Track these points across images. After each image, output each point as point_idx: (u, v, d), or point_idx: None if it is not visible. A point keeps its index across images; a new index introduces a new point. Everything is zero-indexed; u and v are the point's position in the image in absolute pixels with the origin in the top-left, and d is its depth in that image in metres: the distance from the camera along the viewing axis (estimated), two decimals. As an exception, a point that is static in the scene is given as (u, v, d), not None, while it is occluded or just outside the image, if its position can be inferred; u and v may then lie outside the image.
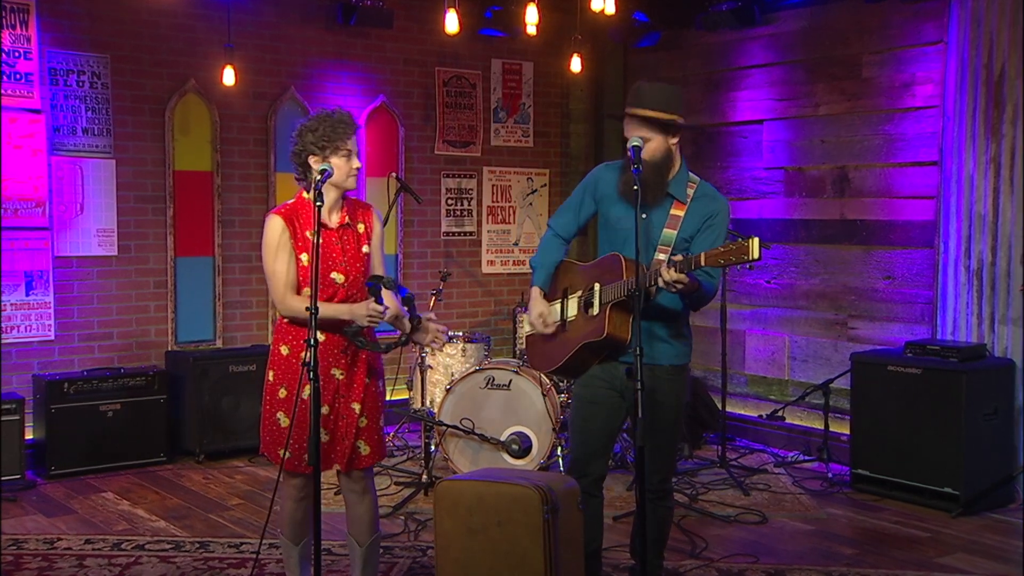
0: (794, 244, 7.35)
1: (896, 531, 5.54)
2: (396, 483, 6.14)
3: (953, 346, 5.96)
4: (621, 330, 3.94)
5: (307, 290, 3.87)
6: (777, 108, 7.46)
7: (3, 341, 6.45)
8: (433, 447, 6.20)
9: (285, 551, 4.15)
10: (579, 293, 4.14)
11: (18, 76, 6.53)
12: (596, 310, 4.02)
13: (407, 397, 7.21)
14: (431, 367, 6.67)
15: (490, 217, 8.55)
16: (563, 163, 8.83)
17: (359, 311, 3.83)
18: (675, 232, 4.02)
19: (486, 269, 8.56)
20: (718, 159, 7.84)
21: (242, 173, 7.42)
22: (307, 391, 3.74)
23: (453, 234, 8.40)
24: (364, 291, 3.93)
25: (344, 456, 3.99)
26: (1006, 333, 6.16)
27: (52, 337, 6.74)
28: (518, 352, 7.90)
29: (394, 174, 7.54)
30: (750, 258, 3.64)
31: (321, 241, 3.86)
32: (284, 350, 3.98)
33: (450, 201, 8.35)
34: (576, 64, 7.52)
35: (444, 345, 4.50)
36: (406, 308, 3.95)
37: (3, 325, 6.49)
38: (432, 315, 4.07)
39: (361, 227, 4.04)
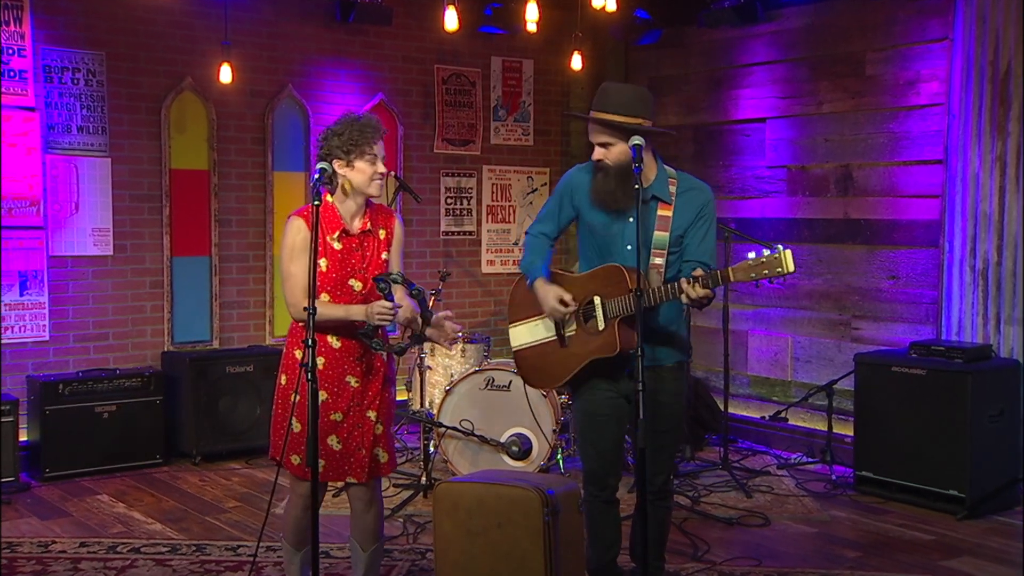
0: (797, 244, 7.29)
1: (900, 534, 5.50)
2: (395, 485, 6.10)
3: (958, 347, 5.91)
4: (630, 343, 3.87)
5: (324, 296, 3.85)
6: (780, 106, 7.42)
7: (1, 342, 6.41)
8: (432, 449, 6.16)
9: (286, 556, 4.09)
10: (575, 306, 4.03)
11: (12, 73, 6.47)
12: (601, 324, 3.94)
13: (406, 398, 7.17)
14: (430, 368, 6.65)
15: (490, 216, 8.51)
16: (563, 162, 8.77)
17: (369, 310, 3.75)
18: (666, 234, 3.95)
19: (486, 269, 8.51)
20: (720, 158, 7.80)
21: (239, 172, 7.38)
22: (322, 396, 3.74)
23: (452, 233, 8.36)
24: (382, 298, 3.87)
25: (363, 467, 3.92)
26: (1012, 334, 6.12)
27: (47, 338, 6.70)
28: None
29: (393, 173, 7.53)
30: (785, 271, 3.57)
31: (341, 247, 3.87)
32: (299, 354, 3.91)
33: (449, 200, 8.31)
34: (577, 62, 7.48)
35: (457, 343, 4.42)
36: (417, 304, 3.86)
37: (1, 325, 6.44)
38: (449, 312, 4.00)
39: (383, 233, 3.99)
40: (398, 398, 7.21)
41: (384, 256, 3.98)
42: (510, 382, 6.14)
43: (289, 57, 7.50)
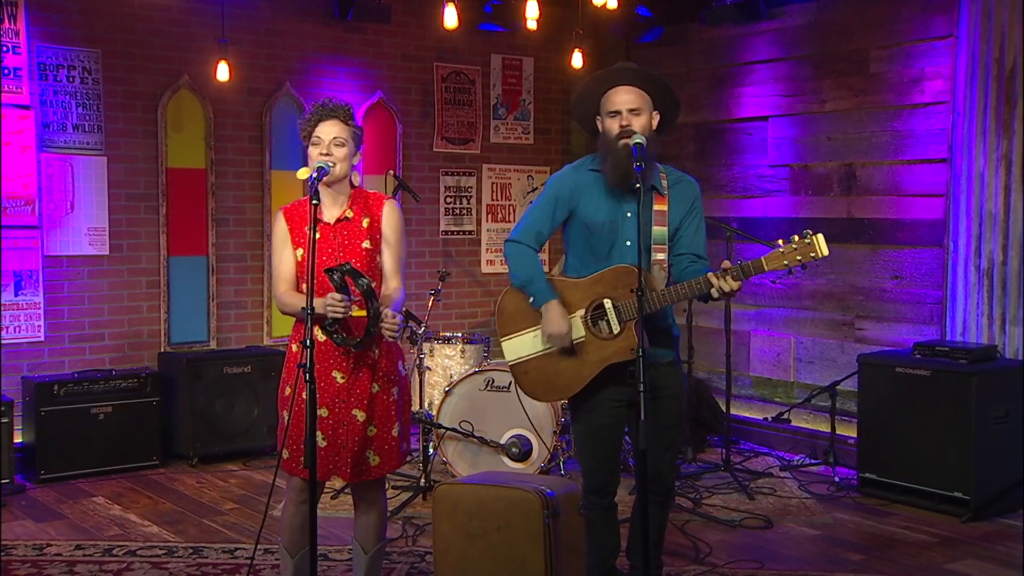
0: (799, 243, 7.27)
1: (904, 536, 5.47)
2: (394, 487, 6.06)
3: (963, 347, 5.88)
4: (644, 342, 3.80)
5: (304, 287, 3.79)
6: (782, 104, 7.38)
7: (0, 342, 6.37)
8: (431, 450, 6.13)
9: (282, 562, 4.02)
10: (580, 312, 3.92)
11: (6, 71, 6.43)
12: (617, 327, 3.84)
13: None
14: (429, 369, 6.62)
15: (490, 216, 8.47)
16: (564, 161, 8.71)
17: (323, 302, 3.65)
18: (665, 229, 3.91)
19: (485, 269, 8.48)
20: (722, 156, 7.76)
21: (236, 171, 7.34)
22: (305, 392, 3.66)
23: (452, 233, 8.32)
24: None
25: (347, 466, 3.85)
26: (1017, 334, 6.09)
27: (42, 338, 6.65)
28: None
29: (392, 172, 7.51)
30: (819, 255, 3.54)
31: (319, 236, 3.78)
32: (294, 347, 3.91)
33: (449, 199, 8.27)
34: (577, 60, 7.45)
35: (396, 338, 4.14)
36: (363, 298, 3.71)
37: (0, 325, 6.40)
38: (389, 311, 3.76)
39: (366, 222, 3.90)
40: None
41: (366, 245, 3.87)
42: (510, 383, 6.09)
43: (287, 55, 7.46)
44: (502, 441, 6.07)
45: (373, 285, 3.69)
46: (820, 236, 3.52)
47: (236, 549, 5.17)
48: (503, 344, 4.08)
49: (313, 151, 3.82)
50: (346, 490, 5.66)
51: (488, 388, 6.14)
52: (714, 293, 3.68)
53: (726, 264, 3.66)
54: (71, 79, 6.66)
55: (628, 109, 3.88)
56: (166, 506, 5.93)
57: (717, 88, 7.83)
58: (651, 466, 3.80)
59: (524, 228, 4.05)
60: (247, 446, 6.85)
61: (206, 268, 7.22)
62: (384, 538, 4.09)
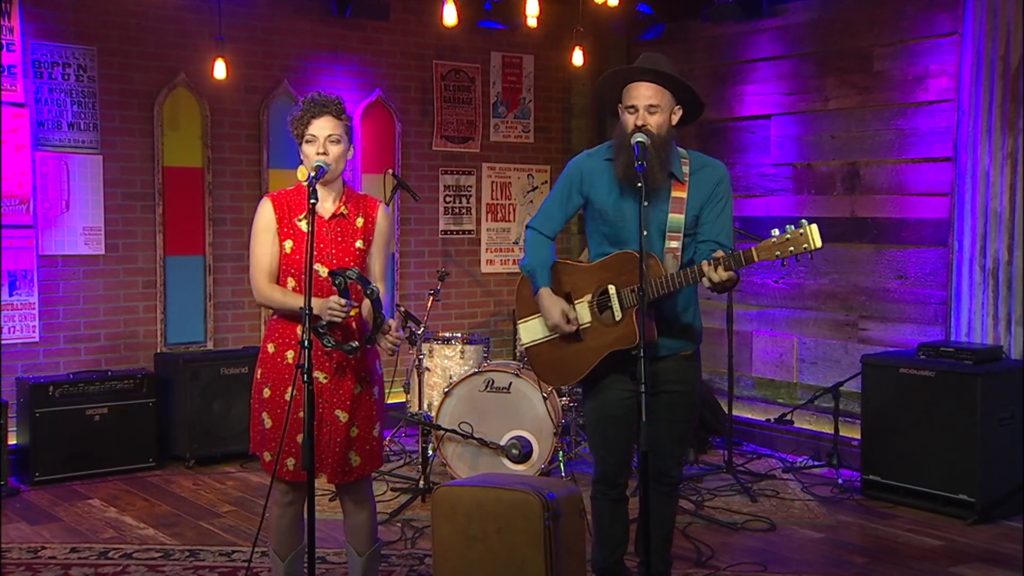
0: (802, 243, 7.24)
1: (909, 539, 5.44)
2: (393, 489, 6.06)
3: (968, 348, 5.86)
4: (652, 333, 3.82)
5: (291, 282, 3.78)
6: (785, 102, 7.35)
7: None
8: (431, 452, 6.11)
9: (273, 566, 3.97)
10: (588, 297, 3.97)
11: (1, 69, 6.38)
12: (619, 314, 3.86)
13: (404, 400, 7.16)
14: (428, 369, 6.59)
15: (489, 215, 8.43)
16: (564, 159, 8.62)
17: (322, 305, 3.62)
18: (681, 216, 3.88)
19: (485, 268, 8.44)
20: (725, 155, 7.73)
21: (234, 169, 7.29)
22: (289, 393, 3.66)
23: (451, 232, 8.28)
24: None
25: (331, 467, 3.82)
26: (1022, 334, 6.05)
27: (36, 339, 6.61)
28: (518, 354, 7.79)
29: (390, 170, 7.48)
30: (812, 247, 3.48)
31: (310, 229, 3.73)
32: (271, 347, 3.85)
33: (448, 198, 8.23)
34: (578, 57, 7.42)
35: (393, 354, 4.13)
36: (372, 306, 3.69)
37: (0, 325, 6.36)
38: (393, 322, 3.78)
39: (360, 221, 3.87)
40: (396, 400, 7.22)
41: (359, 245, 3.84)
42: (510, 384, 6.09)
43: (284, 52, 7.42)
44: (502, 443, 6.04)
45: (381, 294, 3.66)
46: (814, 226, 3.47)
47: (233, 552, 5.14)
48: (520, 327, 4.22)
49: (308, 149, 3.76)
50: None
51: (488, 389, 6.12)
52: (705, 283, 3.66)
53: (718, 254, 3.63)
54: (66, 77, 6.61)
55: (646, 106, 3.85)
56: (162, 508, 5.90)
57: (719, 86, 7.80)
58: (655, 460, 3.83)
59: (540, 214, 4.15)
60: (244, 448, 6.75)
61: (203, 268, 7.18)
62: (378, 540, 4.05)
